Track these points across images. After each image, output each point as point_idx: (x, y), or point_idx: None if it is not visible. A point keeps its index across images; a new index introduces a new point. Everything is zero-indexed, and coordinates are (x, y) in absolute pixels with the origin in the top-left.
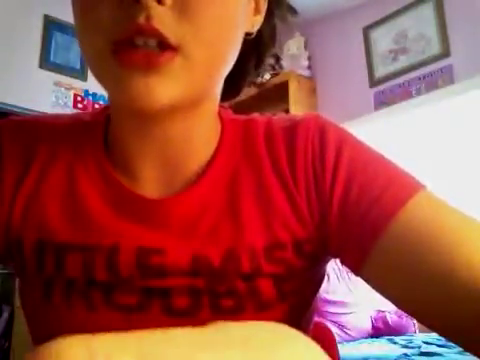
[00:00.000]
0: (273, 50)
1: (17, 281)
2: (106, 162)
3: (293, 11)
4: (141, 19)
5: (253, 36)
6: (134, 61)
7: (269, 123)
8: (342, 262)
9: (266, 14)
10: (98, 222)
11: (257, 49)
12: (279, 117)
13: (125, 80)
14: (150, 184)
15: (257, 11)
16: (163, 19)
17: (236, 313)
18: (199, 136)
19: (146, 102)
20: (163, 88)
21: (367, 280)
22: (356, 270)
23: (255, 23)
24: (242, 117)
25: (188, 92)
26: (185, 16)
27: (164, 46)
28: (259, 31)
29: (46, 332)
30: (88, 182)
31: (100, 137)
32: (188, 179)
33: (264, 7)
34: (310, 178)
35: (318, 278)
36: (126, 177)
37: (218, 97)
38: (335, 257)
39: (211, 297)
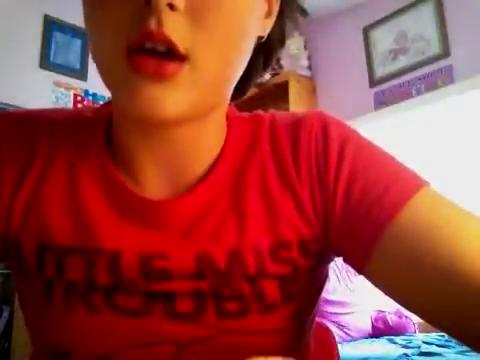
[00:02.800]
0: (280, 51)
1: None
2: (109, 162)
3: (303, 12)
4: (152, 24)
5: (264, 39)
6: (144, 67)
7: (273, 121)
8: (345, 261)
9: (277, 16)
10: (100, 225)
11: (265, 51)
12: (283, 114)
13: (135, 87)
14: (153, 186)
15: (269, 14)
16: (174, 25)
17: (241, 316)
18: (205, 140)
19: (154, 114)
20: (172, 100)
21: (370, 279)
22: (359, 269)
23: (267, 26)
24: (247, 114)
25: (197, 104)
26: (197, 23)
27: (173, 53)
28: (268, 33)
29: (46, 334)
30: (90, 183)
31: (102, 136)
32: (192, 180)
33: (276, 9)
34: (314, 176)
35: (321, 279)
36: (129, 178)
37: (227, 103)
38: (338, 256)
39: (216, 300)
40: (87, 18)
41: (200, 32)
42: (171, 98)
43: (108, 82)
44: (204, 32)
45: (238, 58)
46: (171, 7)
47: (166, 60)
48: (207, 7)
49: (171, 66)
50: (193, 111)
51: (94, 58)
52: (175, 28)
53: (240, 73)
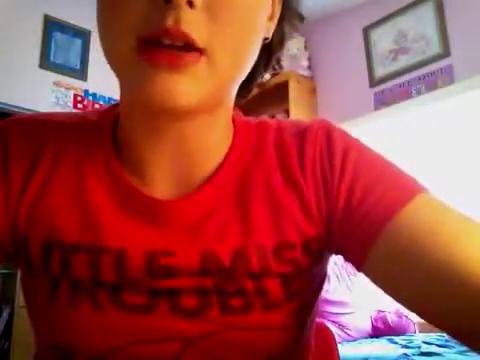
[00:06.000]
0: (279, 53)
1: (20, 280)
2: (115, 162)
3: (301, 18)
4: (170, 21)
5: (268, 41)
6: (159, 60)
7: (279, 128)
8: (345, 258)
9: (278, 20)
10: (106, 223)
11: (266, 53)
12: (288, 122)
13: (150, 77)
14: (160, 185)
15: (271, 17)
16: (192, 22)
17: (244, 312)
18: (213, 138)
19: (169, 101)
20: (186, 89)
21: (369, 276)
22: (358, 266)
23: (270, 29)
24: (253, 120)
25: (210, 95)
26: (213, 19)
27: (190, 48)
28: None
29: (51, 332)
30: (97, 182)
31: (109, 137)
32: (199, 181)
33: (278, 13)
34: (319, 178)
35: (320, 277)
36: (136, 178)
37: (233, 101)
38: (339, 254)
39: (220, 296)
40: (101, 12)
41: (216, 27)
42: (187, 88)
43: (121, 75)
44: (220, 27)
45: (249, 54)
46: (190, 4)
47: (183, 52)
48: (222, 4)
49: (188, 57)
50: (205, 103)
51: (106, 53)
52: (192, 24)
53: (248, 70)
